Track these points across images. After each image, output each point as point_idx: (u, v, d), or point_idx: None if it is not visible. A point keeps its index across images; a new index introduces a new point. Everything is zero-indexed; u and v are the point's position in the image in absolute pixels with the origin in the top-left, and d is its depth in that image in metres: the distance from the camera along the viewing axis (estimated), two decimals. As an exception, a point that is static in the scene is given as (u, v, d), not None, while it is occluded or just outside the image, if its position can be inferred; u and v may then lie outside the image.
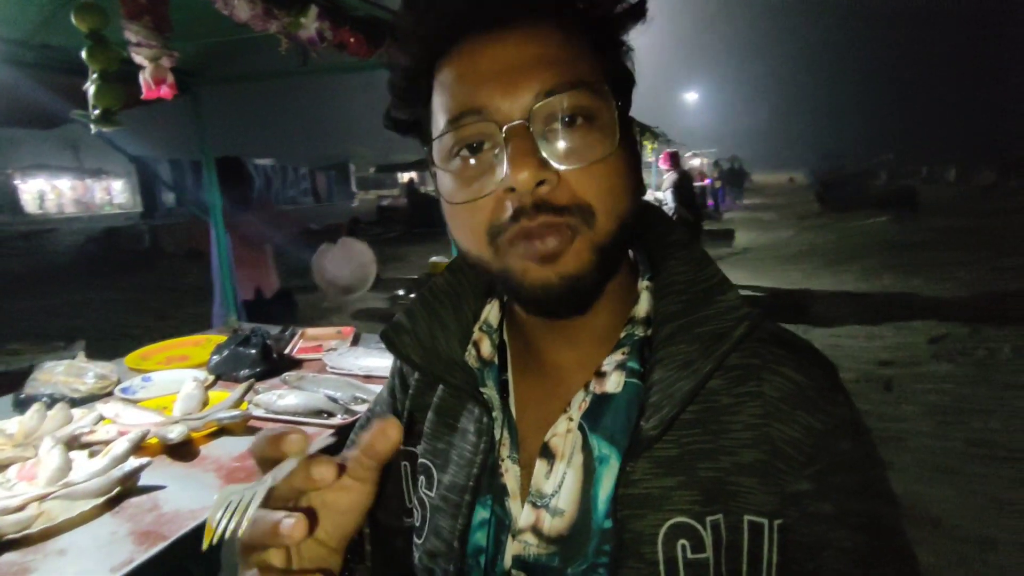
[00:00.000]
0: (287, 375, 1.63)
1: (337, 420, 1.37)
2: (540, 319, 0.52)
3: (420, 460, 0.61)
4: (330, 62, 1.89)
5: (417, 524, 0.59)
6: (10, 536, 0.93)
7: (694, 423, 0.48)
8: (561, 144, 0.44)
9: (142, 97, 1.14)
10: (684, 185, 6.44)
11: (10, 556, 0.90)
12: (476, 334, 0.59)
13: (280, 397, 1.43)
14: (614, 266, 0.50)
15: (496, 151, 0.45)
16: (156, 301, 7.87)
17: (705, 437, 0.47)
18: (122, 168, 29.10)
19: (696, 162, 16.86)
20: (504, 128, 0.43)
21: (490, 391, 0.56)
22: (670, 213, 6.38)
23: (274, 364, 1.71)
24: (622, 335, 0.52)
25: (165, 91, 1.15)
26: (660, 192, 6.70)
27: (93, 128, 1.20)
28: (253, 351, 1.69)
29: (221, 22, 1.25)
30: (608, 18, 0.48)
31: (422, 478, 0.60)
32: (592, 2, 0.47)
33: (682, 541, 0.46)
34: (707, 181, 16.10)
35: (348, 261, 3.23)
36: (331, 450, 1.29)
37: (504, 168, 0.43)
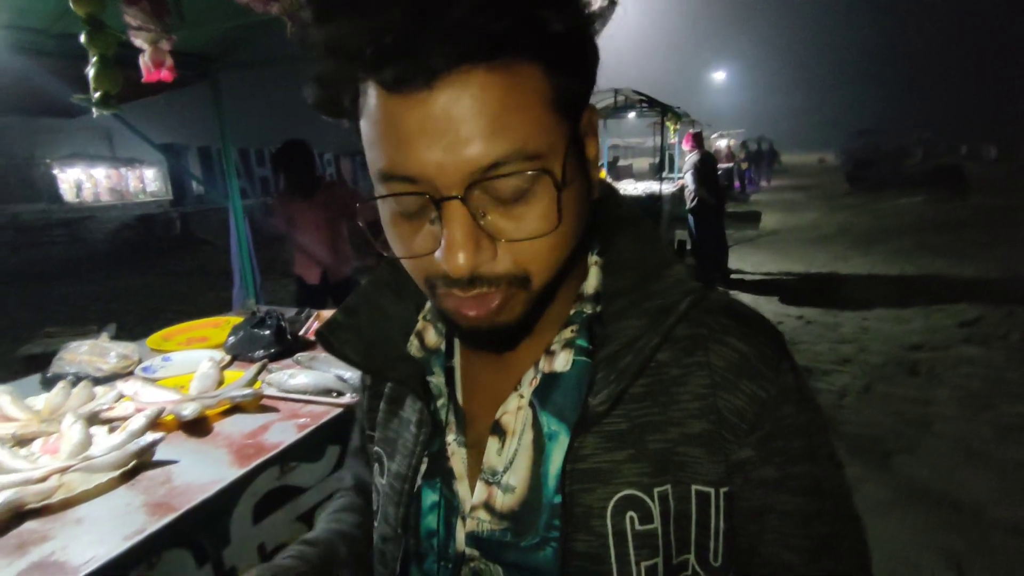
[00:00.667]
0: (299, 355, 1.67)
1: (346, 399, 1.40)
2: None
3: (375, 448, 0.62)
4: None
5: (374, 508, 0.61)
6: (32, 505, 0.97)
7: (643, 396, 0.48)
8: (496, 219, 0.41)
9: (143, 80, 1.17)
10: (706, 166, 6.31)
11: (31, 524, 0.95)
12: (420, 323, 0.59)
13: (291, 376, 1.46)
14: (552, 297, 0.49)
15: (432, 217, 0.42)
16: (188, 286, 8.10)
17: (654, 409, 0.48)
18: (154, 157, 29.76)
19: (722, 143, 16.47)
20: (438, 203, 0.40)
21: (437, 379, 0.56)
22: (691, 195, 6.28)
23: (288, 345, 1.75)
24: (571, 312, 0.52)
25: (165, 74, 1.17)
26: (682, 174, 6.58)
27: (94, 111, 1.23)
28: (267, 332, 1.73)
29: (234, 8, 1.26)
30: (562, 44, 0.40)
31: (376, 466, 0.61)
32: (540, 32, 0.39)
33: (630, 513, 0.46)
34: (732, 163, 15.76)
35: None
36: (339, 424, 1.32)
37: (440, 244, 0.41)
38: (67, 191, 27.00)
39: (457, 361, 0.58)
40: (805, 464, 0.47)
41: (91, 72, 1.18)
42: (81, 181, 28.31)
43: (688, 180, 6.27)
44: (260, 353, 1.69)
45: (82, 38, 1.17)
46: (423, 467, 0.56)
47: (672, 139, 11.04)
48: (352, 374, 1.50)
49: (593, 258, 0.54)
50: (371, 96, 0.40)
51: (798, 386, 0.49)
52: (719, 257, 6.68)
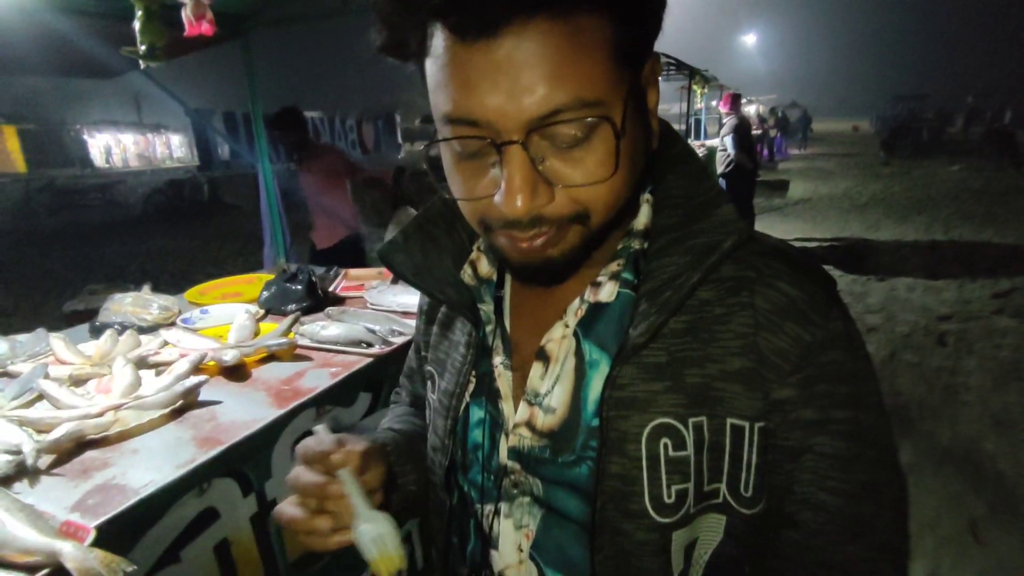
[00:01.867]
0: (330, 309, 1.73)
1: (375, 349, 1.45)
2: None
3: (427, 368, 0.67)
4: (368, 1, 1.90)
5: (427, 422, 0.66)
6: (91, 436, 1.06)
7: (684, 332, 0.49)
8: (556, 165, 0.43)
9: (184, 35, 1.20)
10: (744, 129, 6.13)
11: (92, 453, 1.03)
12: (474, 254, 0.62)
13: (323, 328, 1.53)
14: (606, 237, 0.51)
15: (493, 161, 0.44)
16: (217, 248, 8.28)
17: (695, 345, 0.49)
18: (180, 123, 30.05)
19: (751, 109, 15.98)
20: (499, 146, 0.41)
21: (486, 306, 0.60)
22: (728, 159, 6.12)
23: (319, 300, 1.81)
24: (620, 246, 0.54)
25: (206, 27, 1.20)
26: (719, 138, 6.41)
27: (142, 64, 1.28)
28: (299, 287, 1.79)
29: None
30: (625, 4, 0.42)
31: (429, 383, 0.66)
32: None
33: (664, 440, 0.48)
34: (761, 129, 15.31)
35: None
36: (369, 372, 1.38)
37: (499, 186, 0.43)
38: (97, 156, 27.47)
39: (507, 291, 0.61)
40: (849, 410, 0.48)
41: (137, 25, 1.22)
42: (110, 146, 28.75)
43: (727, 143, 6.07)
44: (292, 307, 1.76)
45: (127, -8, 1.20)
46: (471, 386, 0.60)
47: (699, 104, 10.76)
48: (380, 327, 1.55)
49: (645, 195, 0.55)
50: (438, 40, 0.41)
51: (848, 333, 0.49)
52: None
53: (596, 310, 0.53)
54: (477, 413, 0.60)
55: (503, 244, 0.48)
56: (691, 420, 0.48)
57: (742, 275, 0.49)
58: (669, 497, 0.48)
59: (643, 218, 0.54)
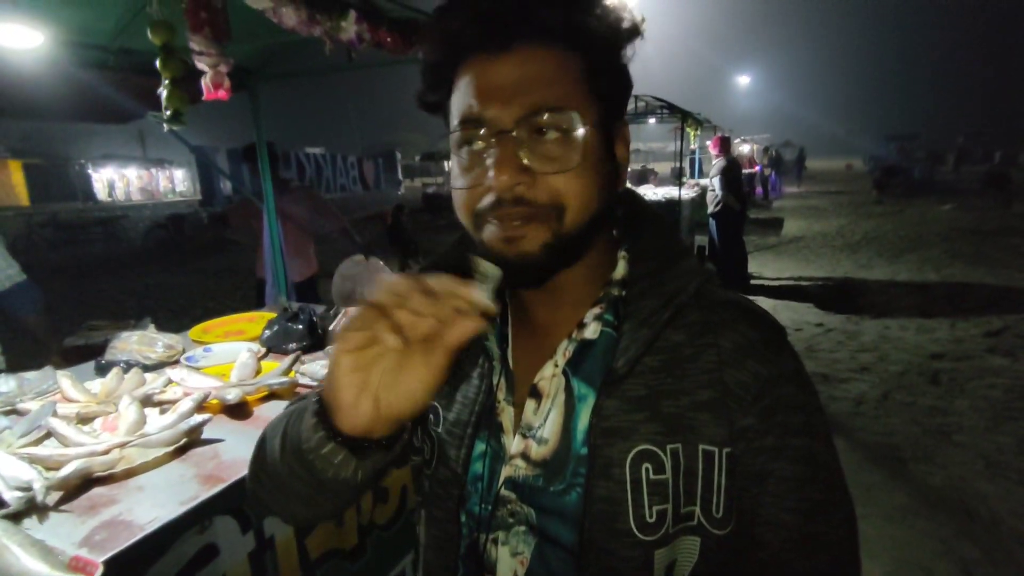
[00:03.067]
0: (331, 348, 1.77)
1: (373, 389, 1.49)
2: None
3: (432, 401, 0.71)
4: (372, 58, 2.02)
5: (427, 457, 0.69)
6: (98, 474, 1.09)
7: (660, 369, 0.57)
8: (538, 152, 0.53)
9: (203, 98, 1.29)
10: (732, 172, 6.31)
11: (99, 490, 1.07)
12: None
13: (324, 367, 1.57)
14: (578, 251, 0.58)
15: (487, 153, 0.54)
16: (216, 284, 8.35)
17: (669, 380, 0.56)
18: (183, 158, 30.61)
19: (745, 148, 16.34)
20: (494, 135, 0.53)
21: (491, 343, 0.66)
22: (717, 199, 6.28)
23: (319, 339, 1.86)
24: (601, 294, 0.62)
25: (222, 93, 1.29)
26: (709, 179, 6.59)
27: (165, 127, 1.37)
28: (301, 326, 1.85)
29: (275, 25, 1.38)
30: (599, 43, 0.55)
31: (431, 416, 0.70)
32: (583, 30, 0.54)
33: (646, 464, 0.55)
34: (756, 168, 15.61)
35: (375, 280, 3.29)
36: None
37: (490, 169, 0.53)
38: (100, 190, 27.81)
39: (510, 330, 0.67)
40: (802, 437, 0.55)
41: (163, 93, 1.32)
42: (113, 181, 29.15)
43: (715, 184, 6.27)
44: (294, 346, 1.81)
45: (157, 63, 1.30)
46: (475, 418, 0.64)
47: (693, 145, 11.03)
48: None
49: (622, 252, 0.64)
50: (462, 74, 0.55)
51: (797, 370, 0.58)
52: (739, 262, 6.68)
53: (583, 349, 0.60)
54: (479, 446, 0.64)
55: (491, 235, 0.55)
56: (668, 446, 0.55)
57: (707, 319, 0.58)
58: (651, 517, 0.54)
59: (621, 269, 0.62)
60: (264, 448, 0.64)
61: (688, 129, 8.80)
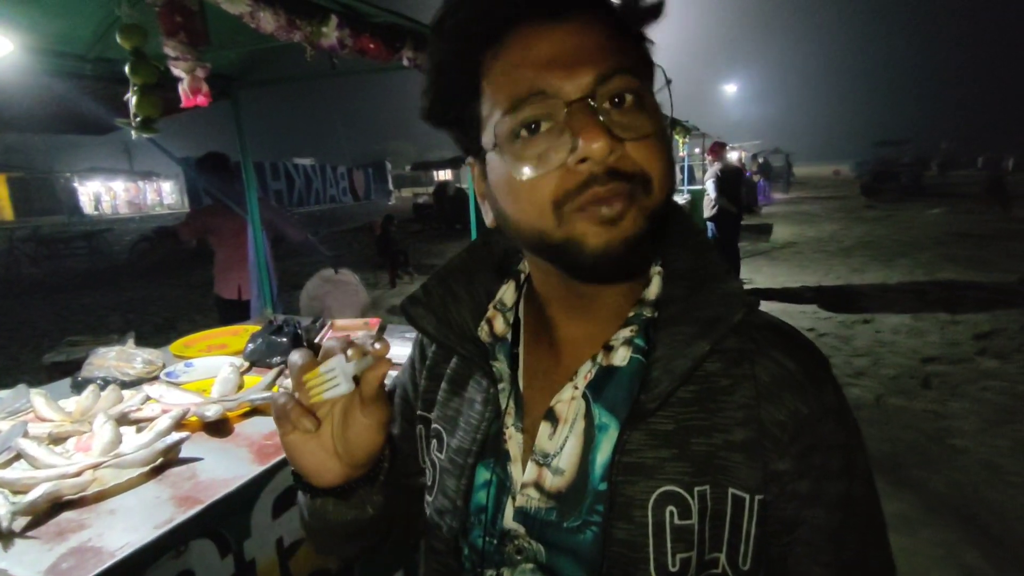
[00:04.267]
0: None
1: (360, 402, 1.45)
2: (562, 294, 0.57)
3: (433, 425, 0.66)
4: (356, 65, 1.99)
5: (428, 483, 0.64)
6: (68, 497, 1.04)
7: (691, 401, 0.51)
8: (621, 119, 0.48)
9: (181, 106, 1.25)
10: (728, 176, 6.34)
11: (68, 514, 1.02)
12: (490, 312, 0.63)
13: (308, 381, 1.52)
14: (661, 233, 0.54)
15: (559, 129, 0.47)
16: (201, 296, 8.24)
17: (701, 415, 0.50)
18: (171, 170, 30.45)
19: (734, 155, 16.48)
20: (570, 105, 0.47)
21: (500, 364, 0.60)
22: (712, 204, 6.31)
23: (305, 352, 1.81)
24: (631, 314, 0.56)
25: (201, 99, 1.25)
26: (705, 184, 6.64)
27: (134, 134, 1.32)
28: (285, 339, 1.80)
29: (256, 31, 1.34)
30: (637, 13, 0.52)
31: (434, 441, 0.65)
32: (630, 4, 0.51)
33: (670, 507, 0.49)
34: (745, 174, 15.74)
35: (346, 295, 3.24)
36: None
37: (572, 141, 0.46)
38: (86, 203, 27.58)
39: (521, 350, 0.62)
40: (841, 481, 0.50)
41: (133, 99, 1.27)
42: (100, 194, 28.92)
43: (710, 188, 6.32)
44: (278, 359, 1.76)
45: (126, 69, 1.26)
46: (479, 445, 0.59)
47: (682, 152, 11.09)
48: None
49: (656, 268, 0.57)
50: (510, 45, 0.49)
51: (839, 406, 0.51)
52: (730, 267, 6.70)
53: (606, 374, 0.54)
54: (483, 474, 0.59)
55: (586, 223, 0.48)
56: (696, 489, 0.49)
57: (743, 347, 0.52)
58: (674, 565, 0.49)
59: (654, 288, 0.56)
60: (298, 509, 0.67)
61: (676, 136, 8.85)
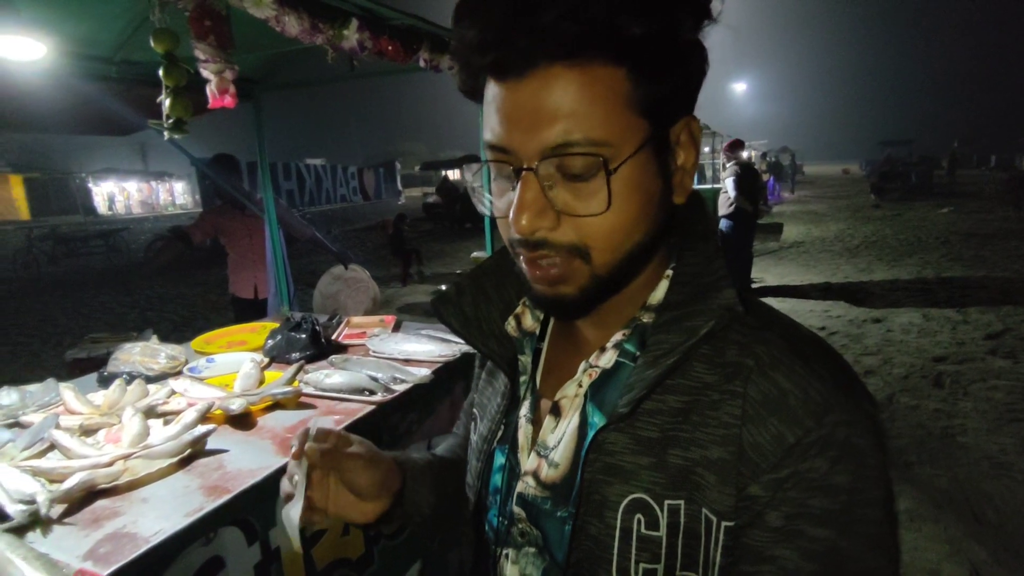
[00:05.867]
0: (333, 357, 1.77)
1: (378, 397, 1.49)
2: None
3: (473, 409, 0.73)
4: (374, 67, 2.03)
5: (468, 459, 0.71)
6: (102, 486, 1.08)
7: (679, 412, 0.49)
8: (562, 194, 0.48)
9: (208, 107, 1.30)
10: (745, 174, 6.30)
11: (103, 502, 1.06)
12: (520, 308, 0.66)
13: (327, 376, 1.57)
14: (619, 284, 0.53)
15: (514, 185, 0.49)
16: (217, 295, 8.32)
17: (685, 427, 0.49)
18: (183, 171, 30.71)
19: (743, 155, 16.36)
20: (517, 172, 0.48)
21: (525, 358, 0.65)
22: (730, 202, 6.28)
23: (322, 348, 1.85)
24: (630, 319, 0.57)
25: (228, 100, 1.30)
26: (722, 182, 6.57)
27: (166, 135, 1.37)
28: (304, 336, 1.84)
29: (279, 35, 1.38)
30: (646, 45, 0.45)
31: (472, 424, 0.71)
32: (620, 37, 0.44)
33: (638, 515, 0.49)
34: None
35: (358, 291, 3.30)
36: (372, 421, 1.42)
37: (512, 206, 0.48)
38: (100, 204, 27.88)
39: (545, 345, 0.65)
40: (827, 529, 0.43)
41: (166, 101, 1.32)
42: (114, 194, 29.21)
43: (729, 186, 6.26)
44: (296, 355, 1.80)
45: (160, 72, 1.30)
46: (500, 432, 0.64)
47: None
48: (383, 375, 1.59)
49: (668, 271, 0.56)
50: (488, 84, 0.50)
51: (846, 443, 0.44)
52: (743, 267, 6.67)
53: (607, 375, 0.56)
54: (499, 459, 0.64)
55: (524, 269, 0.53)
56: (667, 502, 0.48)
57: (741, 361, 0.48)
58: (636, 574, 0.49)
59: (659, 293, 0.55)
60: None
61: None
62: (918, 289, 6.52)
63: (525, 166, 0.47)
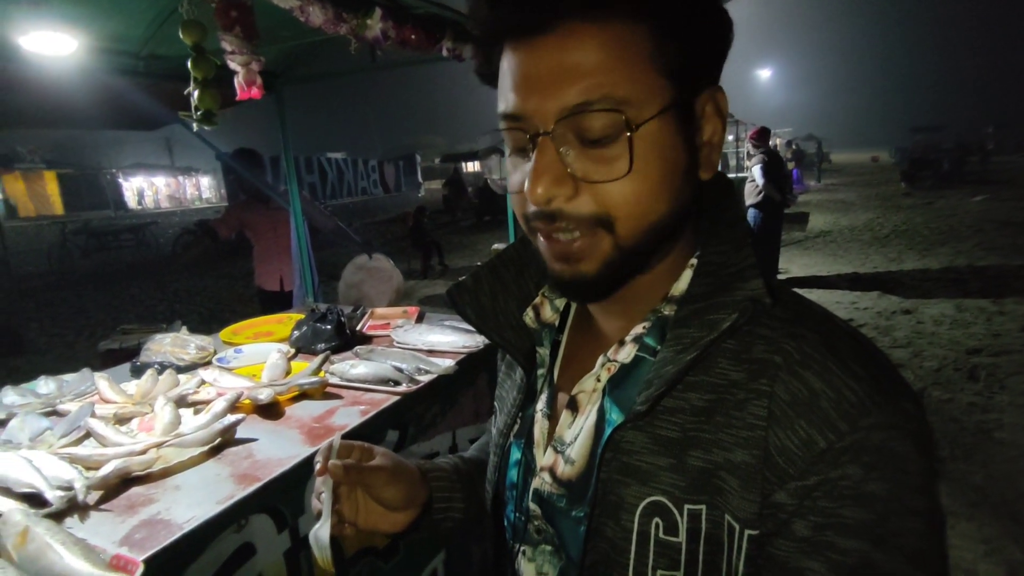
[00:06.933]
0: (358, 348, 1.78)
1: (402, 388, 1.50)
2: None
3: (494, 403, 0.71)
4: (396, 57, 2.02)
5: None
6: (136, 473, 1.11)
7: (702, 411, 0.46)
8: (580, 159, 0.45)
9: (236, 98, 1.30)
10: (773, 162, 6.17)
11: (137, 489, 1.08)
12: (539, 298, 0.64)
13: (352, 367, 1.58)
14: (643, 263, 0.50)
15: (527, 155, 0.47)
16: (243, 287, 8.48)
17: (708, 427, 0.46)
18: (209, 166, 31.25)
19: (771, 143, 16.02)
20: (532, 136, 0.45)
21: (544, 350, 0.63)
22: (757, 190, 6.16)
23: (347, 339, 1.87)
24: (651, 311, 0.54)
25: (255, 91, 1.30)
26: (748, 170, 6.45)
27: (195, 127, 1.39)
28: (329, 327, 1.85)
29: (301, 27, 1.39)
30: (662, 1, 0.43)
31: (493, 417, 0.71)
32: None
33: (656, 519, 0.46)
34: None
35: (382, 280, 3.32)
36: (397, 411, 1.42)
37: (528, 174, 0.46)
38: (130, 198, 28.58)
39: (564, 337, 0.63)
40: (859, 541, 0.40)
41: (195, 93, 1.33)
42: (143, 189, 29.93)
43: (756, 174, 6.13)
44: (322, 346, 1.81)
45: (189, 63, 1.32)
46: (516, 426, 0.64)
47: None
48: (407, 365, 1.60)
49: (692, 260, 0.53)
50: (504, 55, 0.47)
51: (883, 449, 0.41)
52: (770, 257, 6.55)
53: (626, 370, 0.53)
54: (516, 454, 0.63)
55: (542, 247, 0.50)
56: (687, 506, 0.45)
57: (768, 359, 0.45)
58: None
59: (683, 283, 0.52)
60: None
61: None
62: (951, 279, 6.33)
63: (541, 131, 0.45)
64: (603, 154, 0.44)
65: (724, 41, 0.47)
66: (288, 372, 1.63)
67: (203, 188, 33.70)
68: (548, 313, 0.64)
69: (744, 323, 0.46)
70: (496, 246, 6.80)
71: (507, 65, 0.47)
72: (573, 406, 0.56)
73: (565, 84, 0.43)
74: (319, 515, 0.60)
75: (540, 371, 0.62)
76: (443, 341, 1.83)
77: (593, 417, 0.54)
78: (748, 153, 6.53)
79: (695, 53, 0.46)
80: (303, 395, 1.49)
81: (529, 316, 0.64)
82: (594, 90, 0.43)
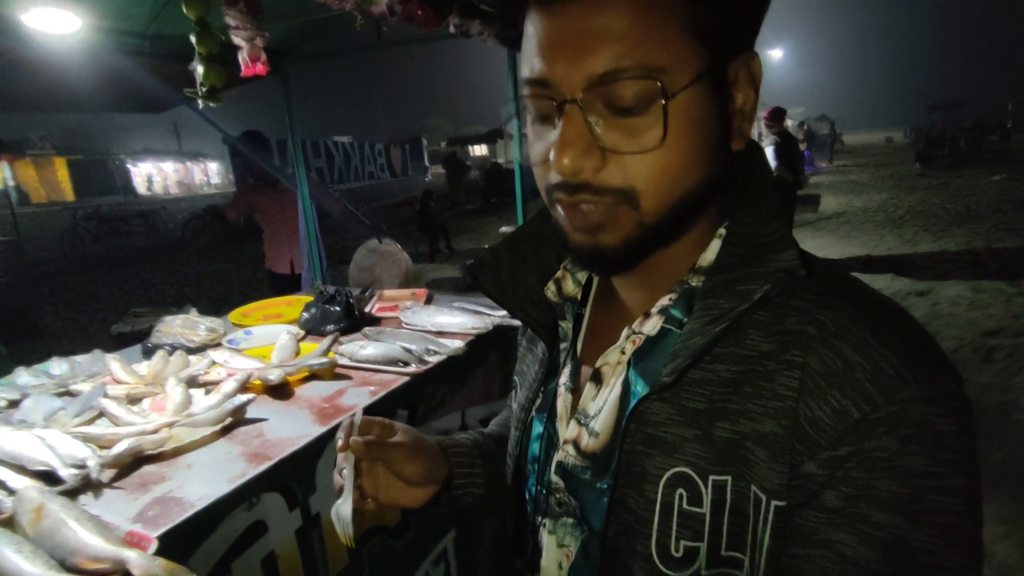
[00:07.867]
0: (367, 329, 1.78)
1: (412, 368, 1.49)
2: None
3: (514, 377, 0.71)
4: (401, 35, 1.99)
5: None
6: (149, 452, 1.11)
7: (730, 382, 0.45)
8: (609, 129, 0.43)
9: (241, 75, 1.28)
10: (786, 144, 6.08)
11: (150, 468, 1.08)
12: (560, 272, 0.63)
13: (362, 347, 1.57)
14: (667, 236, 0.49)
15: (553, 122, 0.45)
16: (251, 271, 8.52)
17: (735, 398, 0.45)
18: (216, 150, 31.30)
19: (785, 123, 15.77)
20: (558, 104, 0.44)
21: (566, 324, 0.62)
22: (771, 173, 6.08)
23: (356, 320, 1.86)
24: (678, 282, 0.53)
25: (260, 68, 1.28)
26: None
27: (200, 103, 1.37)
28: (338, 308, 1.85)
29: (306, 3, 1.36)
30: None
31: (513, 392, 0.70)
32: None
33: (680, 490, 0.46)
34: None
35: (392, 264, 3.32)
36: (407, 391, 1.42)
37: (552, 146, 0.44)
38: (139, 184, 28.74)
39: (587, 311, 0.62)
40: (893, 515, 0.38)
41: (199, 69, 1.31)
42: (151, 175, 30.08)
43: (769, 155, 6.05)
44: (331, 327, 1.81)
45: (192, 39, 1.29)
46: (538, 400, 0.63)
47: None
48: (416, 346, 1.59)
49: (720, 230, 0.52)
50: (529, 18, 0.45)
51: (922, 423, 0.39)
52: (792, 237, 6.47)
53: (652, 342, 0.52)
54: (538, 428, 0.62)
55: (561, 219, 0.48)
56: (712, 477, 0.45)
57: (802, 329, 0.43)
58: (677, 551, 0.46)
59: (710, 254, 0.51)
60: None
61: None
62: (967, 261, 6.23)
63: (568, 98, 0.43)
64: (634, 124, 0.42)
65: (762, 1, 0.45)
66: (297, 353, 1.63)
67: (211, 174, 33.79)
68: (570, 286, 0.63)
69: (776, 295, 0.45)
70: (504, 229, 6.79)
71: (532, 28, 0.45)
72: (597, 379, 0.55)
73: (595, 49, 0.41)
74: (340, 491, 0.60)
75: (563, 345, 0.62)
76: (452, 322, 1.82)
77: (618, 389, 0.53)
78: (761, 134, 6.43)
79: (731, 16, 0.44)
80: (313, 376, 1.49)
81: (551, 290, 0.63)
82: (626, 56, 0.41)
